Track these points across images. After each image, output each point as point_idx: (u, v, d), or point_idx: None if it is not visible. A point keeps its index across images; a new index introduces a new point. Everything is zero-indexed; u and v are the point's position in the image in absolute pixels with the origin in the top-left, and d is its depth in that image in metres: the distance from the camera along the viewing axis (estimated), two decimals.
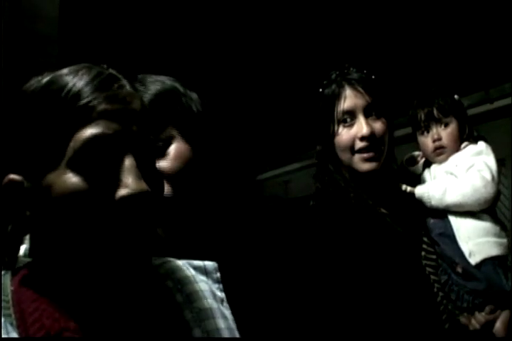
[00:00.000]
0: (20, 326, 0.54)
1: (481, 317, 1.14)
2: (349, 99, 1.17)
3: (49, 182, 0.55)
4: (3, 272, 0.61)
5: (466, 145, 1.30)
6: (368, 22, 2.75)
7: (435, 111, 1.29)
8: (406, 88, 2.01)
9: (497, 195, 1.24)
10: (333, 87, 1.20)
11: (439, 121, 1.29)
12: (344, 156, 1.19)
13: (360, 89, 1.17)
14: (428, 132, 1.31)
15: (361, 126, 1.15)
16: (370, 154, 1.16)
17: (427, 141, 1.31)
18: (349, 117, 1.17)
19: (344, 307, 1.03)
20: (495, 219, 1.24)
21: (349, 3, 2.63)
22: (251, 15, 2.73)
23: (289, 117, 3.56)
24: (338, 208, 1.15)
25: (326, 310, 1.03)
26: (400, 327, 1.03)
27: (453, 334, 1.12)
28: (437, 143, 1.29)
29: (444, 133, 1.29)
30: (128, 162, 0.56)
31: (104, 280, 0.56)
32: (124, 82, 0.61)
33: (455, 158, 1.29)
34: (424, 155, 1.36)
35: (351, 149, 1.17)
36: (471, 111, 2.99)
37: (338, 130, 1.18)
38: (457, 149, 1.30)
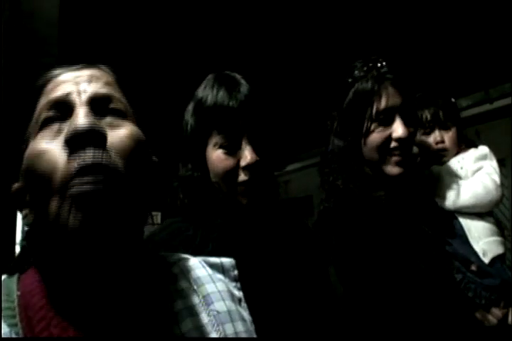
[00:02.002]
0: (27, 335, 0.52)
1: (497, 311, 1.18)
2: (391, 97, 1.10)
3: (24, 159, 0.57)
4: (4, 276, 0.59)
5: (466, 148, 1.32)
6: (369, 22, 2.75)
7: (441, 114, 1.32)
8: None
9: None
10: (371, 82, 1.12)
11: (443, 124, 1.31)
12: (374, 155, 1.12)
13: (400, 88, 1.11)
14: (430, 133, 1.33)
15: (399, 127, 1.08)
16: (401, 158, 1.10)
17: (429, 141, 1.33)
18: (386, 116, 1.10)
19: (365, 306, 1.01)
20: (496, 220, 1.30)
21: (350, 4, 2.63)
22: (258, 11, 2.73)
23: (289, 117, 3.56)
24: (365, 208, 1.11)
25: (347, 309, 1.00)
26: (424, 327, 1.01)
27: (471, 330, 1.13)
28: (440, 146, 1.32)
29: (447, 136, 1.31)
30: (76, 111, 0.56)
31: (98, 273, 0.54)
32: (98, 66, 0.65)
33: (459, 161, 1.31)
34: (425, 155, 1.37)
35: (384, 149, 1.11)
36: (471, 111, 3.01)
37: (372, 128, 1.11)
38: (457, 151, 1.32)
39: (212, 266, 0.69)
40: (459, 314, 1.09)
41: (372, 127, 1.11)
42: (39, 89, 0.61)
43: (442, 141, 1.31)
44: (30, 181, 0.55)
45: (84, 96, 0.58)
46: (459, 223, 1.26)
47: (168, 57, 2.99)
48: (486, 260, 1.21)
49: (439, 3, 2.53)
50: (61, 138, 0.55)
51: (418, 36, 2.76)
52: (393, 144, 1.10)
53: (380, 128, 1.11)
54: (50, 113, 0.57)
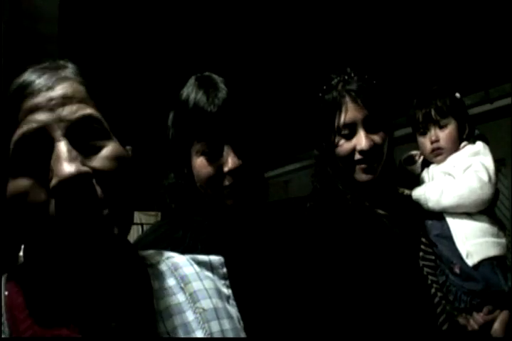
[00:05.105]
0: (13, 334, 0.54)
1: (478, 317, 1.13)
2: (350, 111, 1.14)
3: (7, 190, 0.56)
4: None
5: (465, 146, 1.29)
6: (369, 22, 2.75)
7: (433, 113, 1.28)
8: (406, 88, 2.01)
9: (495, 195, 1.23)
10: (334, 95, 1.18)
11: (436, 123, 1.28)
12: (343, 165, 1.19)
13: (360, 102, 1.14)
14: (426, 133, 1.31)
15: (361, 140, 1.13)
16: (368, 166, 1.15)
17: (425, 141, 1.31)
18: (349, 129, 1.15)
19: (343, 308, 1.03)
20: (493, 220, 1.23)
21: (350, 3, 2.63)
22: (251, 17, 2.73)
23: (289, 117, 3.55)
24: (336, 209, 1.15)
25: (325, 311, 1.03)
26: (397, 329, 1.03)
27: (451, 335, 1.12)
28: (435, 145, 1.29)
29: (442, 134, 1.28)
30: (57, 148, 0.54)
31: (85, 276, 0.56)
32: (52, 69, 0.60)
33: (453, 159, 1.28)
34: (423, 155, 1.36)
35: (350, 160, 1.16)
36: (471, 111, 3.00)
37: (337, 141, 1.17)
38: (456, 149, 1.29)
39: (200, 263, 0.70)
40: (421, 314, 1.08)
41: (337, 140, 1.16)
42: (14, 109, 0.56)
43: (437, 140, 1.28)
44: (17, 222, 0.55)
45: (62, 127, 0.55)
46: (446, 223, 1.22)
47: (167, 56, 2.99)
48: (470, 262, 1.15)
49: (439, 4, 2.53)
50: (44, 179, 0.53)
51: (419, 37, 2.76)
52: (357, 156, 1.14)
53: (344, 141, 1.16)
54: (29, 146, 0.54)
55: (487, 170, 1.22)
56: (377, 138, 1.15)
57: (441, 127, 1.28)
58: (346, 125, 1.15)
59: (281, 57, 3.08)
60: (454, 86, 1.41)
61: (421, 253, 1.19)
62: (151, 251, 0.70)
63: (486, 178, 1.21)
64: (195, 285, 0.66)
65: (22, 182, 0.54)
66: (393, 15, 2.69)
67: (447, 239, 1.20)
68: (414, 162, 1.38)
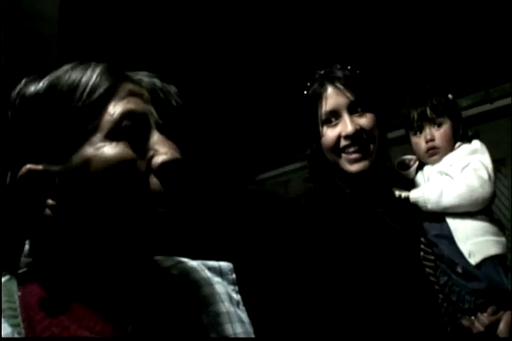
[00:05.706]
0: (28, 335, 0.53)
1: (484, 318, 1.11)
2: (331, 98, 1.13)
3: (83, 158, 0.54)
4: (8, 276, 0.59)
5: (460, 145, 1.27)
6: (368, 23, 2.75)
7: (428, 111, 1.26)
8: (405, 89, 2.00)
9: (494, 193, 1.22)
10: (315, 87, 1.16)
11: (432, 121, 1.26)
12: (331, 157, 1.15)
13: (340, 86, 1.12)
14: (421, 132, 1.28)
15: (345, 125, 1.11)
16: (357, 155, 1.11)
17: (420, 141, 1.29)
18: (333, 117, 1.13)
19: (343, 309, 1.02)
20: (491, 218, 1.22)
21: (348, 2, 2.63)
22: (249, 17, 2.73)
23: (289, 117, 3.55)
24: (335, 205, 1.13)
25: (325, 312, 1.02)
26: (399, 330, 1.02)
27: (455, 337, 1.10)
28: (430, 144, 1.27)
29: (438, 133, 1.26)
30: (158, 134, 0.59)
31: (115, 278, 0.56)
32: None
33: (449, 158, 1.26)
34: (417, 156, 1.33)
35: (337, 149, 1.13)
36: (471, 111, 3.00)
37: (323, 131, 1.14)
38: (451, 149, 1.27)
39: (210, 269, 0.71)
40: (423, 315, 1.06)
41: (323, 130, 1.14)
42: (111, 90, 0.58)
43: (432, 139, 1.26)
44: (92, 184, 0.54)
45: (153, 120, 0.60)
46: (446, 223, 1.20)
47: (167, 56, 2.99)
48: (473, 261, 1.14)
49: (439, 3, 2.53)
50: (141, 154, 0.56)
51: (419, 37, 2.75)
52: (343, 142, 1.11)
53: (330, 129, 1.13)
54: (126, 122, 0.56)
55: (486, 168, 1.21)
56: (363, 121, 1.12)
57: (437, 126, 1.27)
58: (329, 112, 1.12)
59: (284, 58, 3.08)
60: (452, 86, 1.40)
61: (421, 253, 1.17)
62: (161, 257, 0.71)
63: (485, 176, 1.19)
64: (207, 290, 0.67)
65: (121, 149, 0.55)
66: (392, 16, 2.69)
67: (447, 239, 1.19)
68: (409, 167, 1.34)
